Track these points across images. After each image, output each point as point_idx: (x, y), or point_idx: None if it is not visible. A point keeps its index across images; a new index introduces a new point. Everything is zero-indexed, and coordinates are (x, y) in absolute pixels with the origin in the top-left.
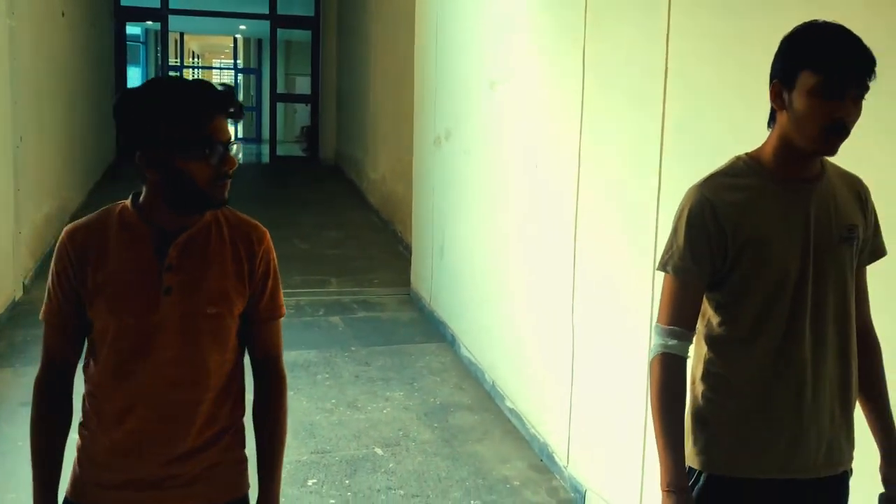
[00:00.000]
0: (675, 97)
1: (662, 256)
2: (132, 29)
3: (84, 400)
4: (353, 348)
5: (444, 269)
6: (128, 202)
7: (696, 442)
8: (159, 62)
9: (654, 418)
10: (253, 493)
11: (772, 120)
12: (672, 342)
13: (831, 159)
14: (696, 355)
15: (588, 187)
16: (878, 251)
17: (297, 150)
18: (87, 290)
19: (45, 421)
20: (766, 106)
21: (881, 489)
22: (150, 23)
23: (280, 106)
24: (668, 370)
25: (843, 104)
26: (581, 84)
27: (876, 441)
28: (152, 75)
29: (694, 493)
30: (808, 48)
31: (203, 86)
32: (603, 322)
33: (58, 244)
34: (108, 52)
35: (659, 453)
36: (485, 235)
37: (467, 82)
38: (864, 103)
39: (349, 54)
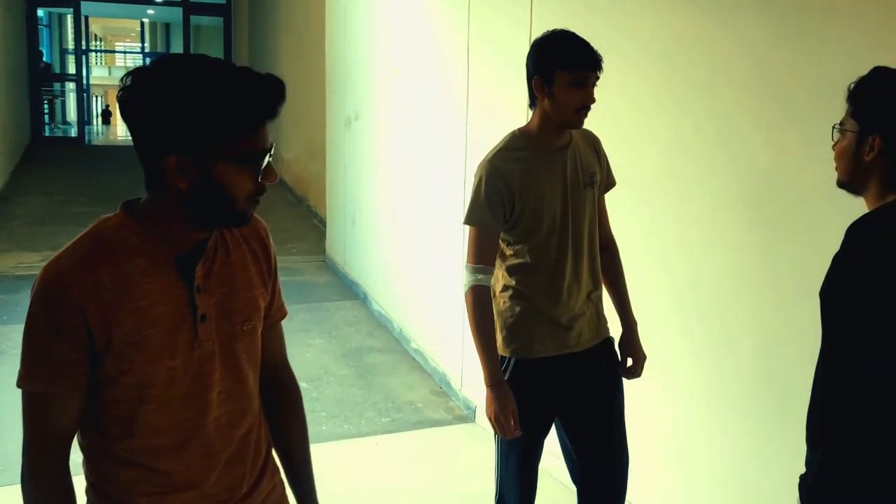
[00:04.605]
0: None
1: (467, 214)
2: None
3: (109, 473)
4: None
5: (356, 237)
6: (119, 218)
7: (503, 338)
8: (65, 45)
9: (473, 335)
10: None
11: (532, 104)
12: (479, 276)
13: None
14: (497, 277)
15: (474, 159)
16: (611, 183)
17: None
18: (110, 342)
19: None
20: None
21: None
22: (55, 8)
23: None
24: (479, 297)
25: (587, 91)
26: (466, 69)
27: (618, 317)
28: (58, 58)
29: (507, 376)
30: (560, 54)
31: (256, 80)
32: None
33: (45, 293)
34: (21, 35)
35: (480, 359)
36: (390, 205)
37: (373, 69)
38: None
39: (260, 40)
